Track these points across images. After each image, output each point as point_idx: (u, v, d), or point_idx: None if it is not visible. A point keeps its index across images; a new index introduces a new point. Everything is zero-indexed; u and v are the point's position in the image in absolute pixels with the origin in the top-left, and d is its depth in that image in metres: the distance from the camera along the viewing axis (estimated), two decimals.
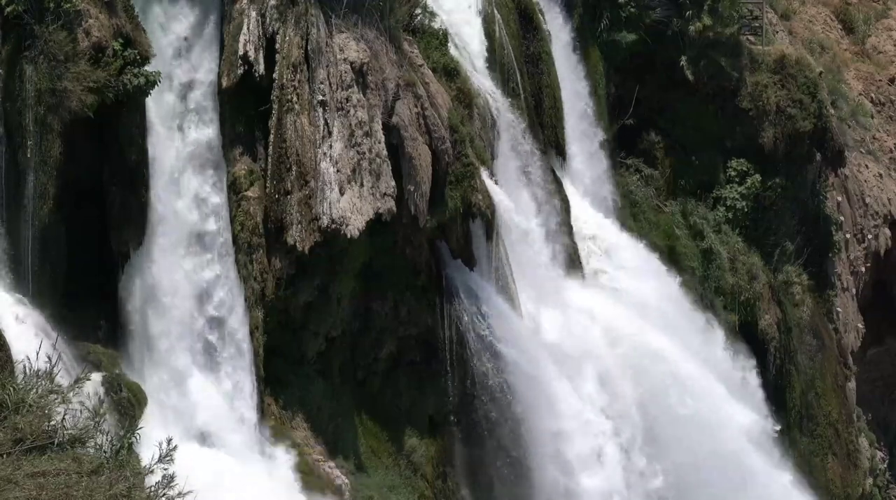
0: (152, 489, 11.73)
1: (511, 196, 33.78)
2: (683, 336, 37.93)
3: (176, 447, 11.88)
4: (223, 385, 27.99)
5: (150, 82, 25.89)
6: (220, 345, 28.08)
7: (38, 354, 13.11)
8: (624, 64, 41.20)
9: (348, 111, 29.09)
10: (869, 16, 53.77)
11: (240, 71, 28.29)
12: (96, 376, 24.53)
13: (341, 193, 28.64)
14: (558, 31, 39.08)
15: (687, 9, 41.26)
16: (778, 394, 41.84)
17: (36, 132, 24.75)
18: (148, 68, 25.92)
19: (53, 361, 12.56)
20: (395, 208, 29.42)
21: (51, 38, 24.79)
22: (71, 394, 12.20)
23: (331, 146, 28.81)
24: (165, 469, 11.83)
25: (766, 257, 42.67)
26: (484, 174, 32.46)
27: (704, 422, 36.73)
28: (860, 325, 47.27)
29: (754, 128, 42.40)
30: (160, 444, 12.00)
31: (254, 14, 28.51)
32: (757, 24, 44.46)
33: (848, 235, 46.69)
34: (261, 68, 28.41)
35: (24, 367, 12.74)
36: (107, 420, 13.00)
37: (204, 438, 27.27)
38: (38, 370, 12.57)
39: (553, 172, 36.70)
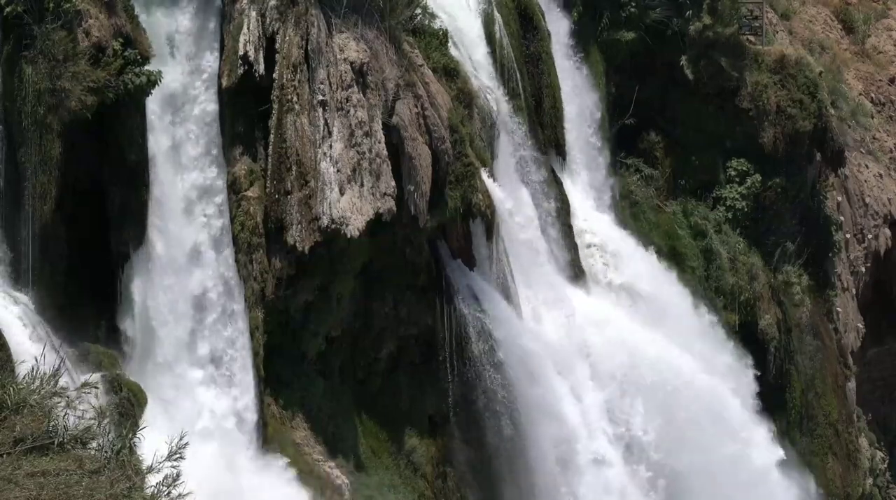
0: (155, 487, 11.66)
1: (511, 196, 33.76)
2: (683, 336, 37.92)
3: (187, 443, 11.78)
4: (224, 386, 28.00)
5: (151, 82, 25.87)
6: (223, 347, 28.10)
7: (42, 355, 13.04)
8: (624, 64, 41.19)
9: (348, 111, 29.06)
10: (869, 16, 53.76)
11: (240, 71, 28.28)
12: (96, 377, 24.49)
13: (341, 193, 28.61)
14: (558, 31, 39.05)
15: (687, 9, 41.23)
16: (778, 394, 41.82)
17: (36, 132, 24.71)
18: (148, 68, 25.90)
19: (56, 364, 12.50)
20: (395, 208, 29.38)
21: (50, 38, 24.75)
22: (77, 401, 12.15)
23: (331, 146, 28.77)
24: (175, 467, 11.72)
25: (766, 257, 42.63)
26: (484, 174, 32.44)
27: (704, 422, 36.76)
28: (860, 325, 47.23)
29: (754, 128, 42.37)
30: (170, 440, 11.87)
31: (254, 14, 28.48)
32: (757, 24, 44.43)
33: (848, 235, 46.65)
34: (261, 68, 28.38)
35: (32, 368, 12.66)
36: (107, 420, 12.93)
37: (204, 437, 27.24)
38: (43, 373, 12.50)
39: (553, 171, 36.69)
